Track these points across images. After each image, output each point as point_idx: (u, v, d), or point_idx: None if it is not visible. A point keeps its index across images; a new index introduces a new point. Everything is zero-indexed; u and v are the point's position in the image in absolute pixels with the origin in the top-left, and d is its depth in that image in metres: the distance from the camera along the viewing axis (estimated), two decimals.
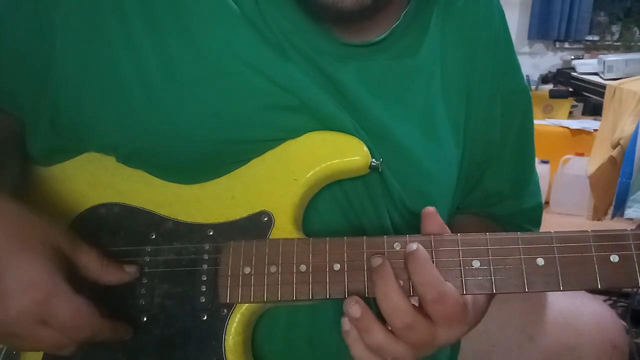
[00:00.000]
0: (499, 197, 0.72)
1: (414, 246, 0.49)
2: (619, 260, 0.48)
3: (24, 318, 0.47)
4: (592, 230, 0.49)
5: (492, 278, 0.49)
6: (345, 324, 0.49)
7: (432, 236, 0.51)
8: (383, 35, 0.60)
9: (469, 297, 0.51)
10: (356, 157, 0.57)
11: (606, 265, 0.48)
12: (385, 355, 0.47)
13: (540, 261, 0.49)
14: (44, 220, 0.52)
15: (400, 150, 0.61)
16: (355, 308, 0.48)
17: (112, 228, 0.60)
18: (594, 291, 0.65)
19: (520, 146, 0.72)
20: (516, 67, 0.71)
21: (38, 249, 0.49)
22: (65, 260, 0.52)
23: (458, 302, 0.47)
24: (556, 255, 0.49)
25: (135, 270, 0.57)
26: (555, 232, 0.49)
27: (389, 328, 0.48)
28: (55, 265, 0.50)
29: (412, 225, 0.63)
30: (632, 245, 0.48)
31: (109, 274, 0.55)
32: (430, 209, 0.51)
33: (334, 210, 0.60)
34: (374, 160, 0.57)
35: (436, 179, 0.64)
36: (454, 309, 0.47)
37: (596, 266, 0.48)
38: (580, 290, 0.49)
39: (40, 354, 0.57)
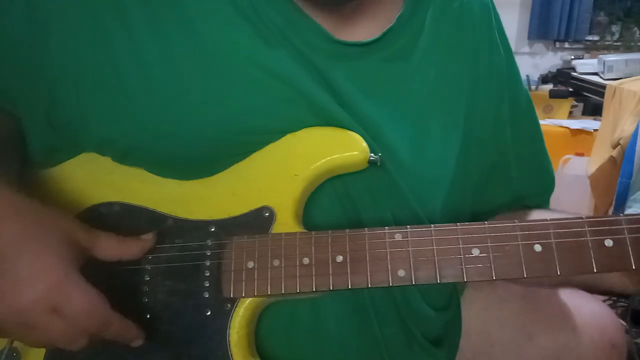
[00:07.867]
0: (525, 197, 0.74)
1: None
2: (613, 245, 0.49)
3: (36, 306, 0.48)
4: (587, 216, 0.51)
5: (492, 265, 0.51)
6: None
7: (432, 226, 0.52)
8: (376, 37, 0.61)
9: None
10: (355, 152, 0.57)
11: (601, 249, 0.49)
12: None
13: (537, 247, 0.50)
14: (56, 213, 0.53)
15: (387, 150, 0.60)
16: None
17: (113, 227, 0.59)
18: (594, 291, 0.65)
19: (533, 141, 0.73)
20: (516, 70, 0.72)
21: (52, 239, 0.50)
22: (80, 251, 0.52)
23: None
24: (553, 241, 0.50)
25: (151, 236, 0.58)
26: (552, 219, 0.51)
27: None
28: (68, 254, 0.50)
29: (407, 221, 0.61)
30: (625, 229, 0.49)
31: (130, 247, 0.56)
32: None
33: (333, 203, 0.61)
34: (372, 154, 0.58)
35: (426, 179, 0.63)
36: None
37: (591, 251, 0.49)
38: (577, 274, 0.51)
39: (42, 355, 0.57)
